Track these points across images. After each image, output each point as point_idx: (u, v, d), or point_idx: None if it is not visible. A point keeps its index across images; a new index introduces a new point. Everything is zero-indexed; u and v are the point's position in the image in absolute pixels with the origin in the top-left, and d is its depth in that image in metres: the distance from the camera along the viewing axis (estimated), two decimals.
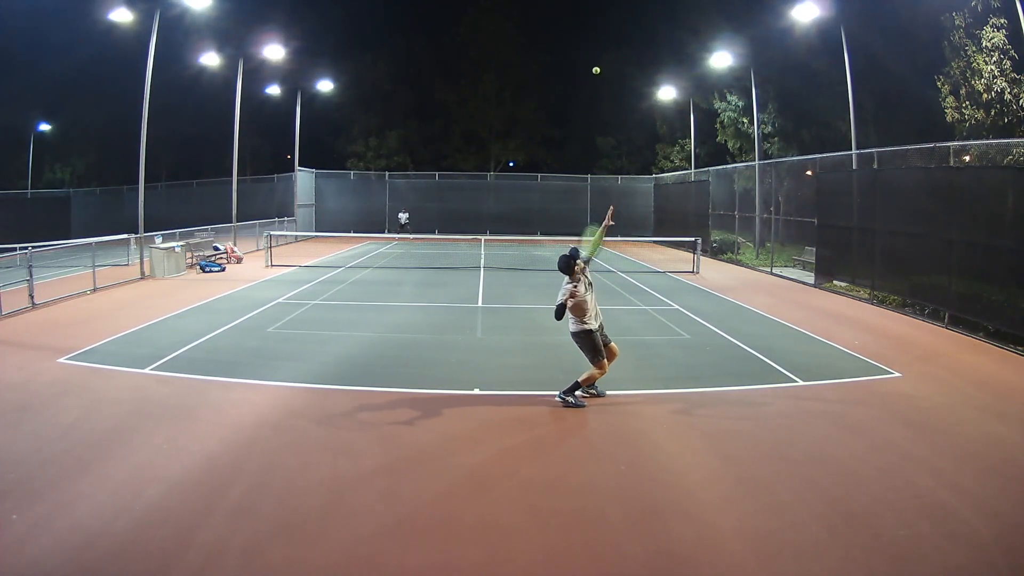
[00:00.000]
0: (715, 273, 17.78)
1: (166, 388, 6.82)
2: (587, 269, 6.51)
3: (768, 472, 5.05)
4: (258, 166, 35.51)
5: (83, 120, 32.70)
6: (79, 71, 28.23)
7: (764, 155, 21.69)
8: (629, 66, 34.45)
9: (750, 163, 21.79)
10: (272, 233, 20.31)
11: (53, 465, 4.86)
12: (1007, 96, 12.64)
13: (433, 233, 28.92)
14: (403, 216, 29.21)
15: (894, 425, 6.08)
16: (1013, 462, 5.30)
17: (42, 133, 33.53)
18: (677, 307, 12.13)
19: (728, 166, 23.75)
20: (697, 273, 17.38)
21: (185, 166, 35.11)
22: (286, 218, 27.35)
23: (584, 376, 6.40)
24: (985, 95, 12.96)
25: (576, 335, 6.43)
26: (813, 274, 15.90)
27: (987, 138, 12.82)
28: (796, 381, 7.44)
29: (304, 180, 29.76)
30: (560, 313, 6.43)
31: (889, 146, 14.77)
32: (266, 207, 28.32)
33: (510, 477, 4.91)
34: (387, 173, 33.65)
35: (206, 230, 20.19)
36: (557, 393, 6.53)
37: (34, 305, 10.97)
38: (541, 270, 17.92)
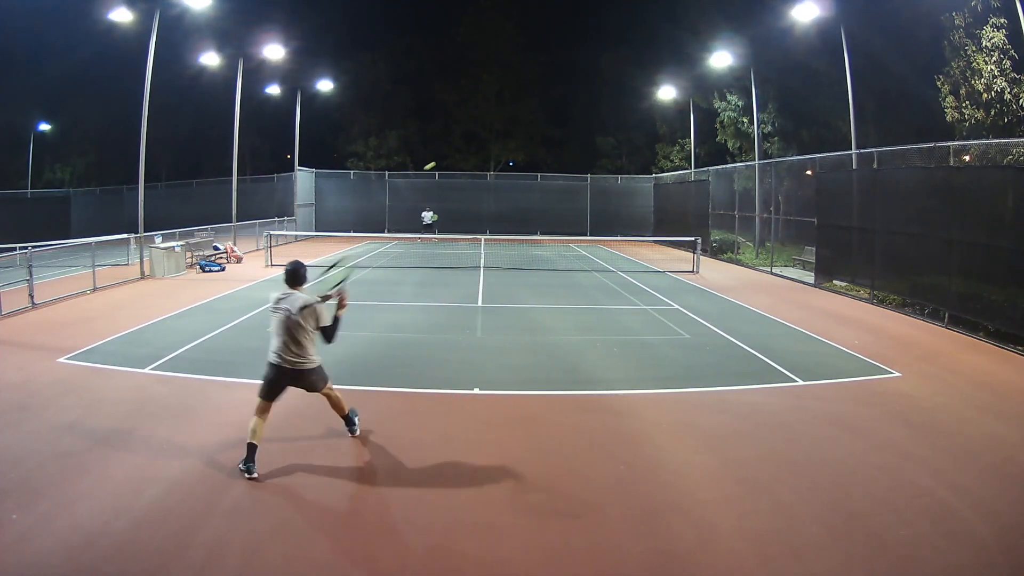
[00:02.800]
0: (715, 273, 17.77)
1: (166, 388, 6.82)
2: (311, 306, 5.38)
3: (768, 472, 5.05)
4: (258, 166, 35.51)
5: (83, 120, 32.67)
6: (79, 71, 28.22)
7: (764, 155, 21.68)
8: (629, 66, 34.41)
9: (750, 163, 21.78)
10: (272, 233, 20.29)
11: (53, 465, 4.86)
12: (1007, 96, 12.64)
13: (433, 233, 28.88)
14: (427, 215, 28.24)
15: (894, 425, 6.08)
16: (1013, 462, 5.31)
17: (42, 133, 33.50)
18: (677, 307, 12.13)
19: (728, 166, 23.74)
20: (697, 273, 17.37)
21: (185, 166, 35.09)
22: (286, 218, 27.32)
23: None
24: (985, 95, 12.95)
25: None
26: (813, 274, 15.89)
27: (987, 138, 12.82)
28: (796, 381, 7.44)
29: (304, 180, 29.74)
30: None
31: (889, 146, 14.77)
32: (266, 207, 28.27)
33: (510, 477, 4.91)
34: (387, 173, 33.63)
35: (206, 230, 20.16)
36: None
37: (34, 305, 10.96)
38: (541, 270, 17.94)
